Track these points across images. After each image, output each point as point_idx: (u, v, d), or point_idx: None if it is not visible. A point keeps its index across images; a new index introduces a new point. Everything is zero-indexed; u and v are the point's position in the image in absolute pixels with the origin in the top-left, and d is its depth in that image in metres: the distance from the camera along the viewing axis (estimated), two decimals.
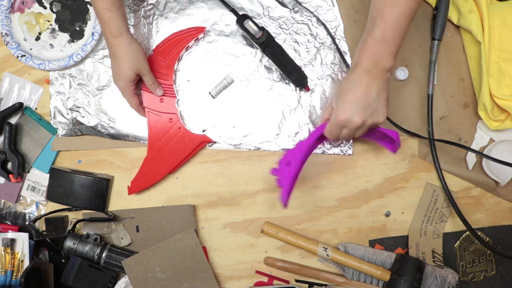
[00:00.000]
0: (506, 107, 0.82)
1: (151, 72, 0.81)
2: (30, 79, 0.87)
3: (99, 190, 0.84)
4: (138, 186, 0.86)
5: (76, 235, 0.84)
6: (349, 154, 0.87)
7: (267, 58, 0.86)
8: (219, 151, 0.87)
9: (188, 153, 0.85)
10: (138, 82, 0.83)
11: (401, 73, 0.86)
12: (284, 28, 0.87)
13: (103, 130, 0.87)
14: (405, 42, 0.87)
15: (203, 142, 0.85)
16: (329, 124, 0.74)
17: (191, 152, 0.85)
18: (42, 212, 0.87)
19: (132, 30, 0.86)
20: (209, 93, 0.87)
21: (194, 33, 0.85)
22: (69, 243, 0.82)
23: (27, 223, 0.87)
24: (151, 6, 0.87)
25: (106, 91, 0.87)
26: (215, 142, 0.87)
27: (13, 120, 0.87)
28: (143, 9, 0.87)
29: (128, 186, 0.86)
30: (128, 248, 0.86)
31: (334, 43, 0.86)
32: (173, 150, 0.85)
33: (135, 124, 0.87)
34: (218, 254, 0.88)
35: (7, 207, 0.88)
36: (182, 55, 0.86)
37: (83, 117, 0.87)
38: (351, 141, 0.86)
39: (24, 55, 0.85)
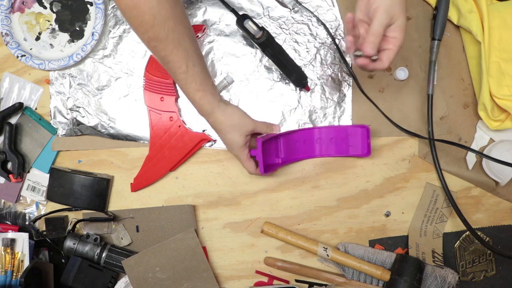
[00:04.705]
0: (506, 107, 0.82)
1: (259, 123, 0.78)
2: (30, 79, 0.87)
3: (99, 190, 0.84)
4: (140, 183, 0.86)
5: (76, 235, 0.84)
6: None
7: (267, 58, 0.86)
8: (219, 151, 0.87)
9: (188, 151, 0.85)
10: None
11: (401, 73, 0.86)
12: (284, 28, 0.87)
13: (103, 130, 0.87)
14: (405, 42, 0.87)
15: (202, 140, 0.85)
16: (394, 55, 0.69)
17: (190, 150, 0.85)
18: (42, 212, 0.87)
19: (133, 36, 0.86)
20: None
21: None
22: (69, 243, 0.82)
23: (27, 223, 0.87)
24: None
25: (106, 91, 0.87)
26: (214, 141, 0.87)
27: (13, 120, 0.87)
28: None
29: (131, 183, 0.86)
30: (128, 248, 0.86)
31: (334, 43, 0.86)
32: (173, 148, 0.85)
33: (135, 124, 0.87)
34: (218, 254, 0.88)
35: (7, 207, 0.88)
36: None
37: (83, 117, 0.87)
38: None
39: (24, 55, 0.85)
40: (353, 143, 0.85)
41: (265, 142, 0.78)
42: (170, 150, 0.85)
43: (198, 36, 0.85)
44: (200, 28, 0.85)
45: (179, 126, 0.85)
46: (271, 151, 0.83)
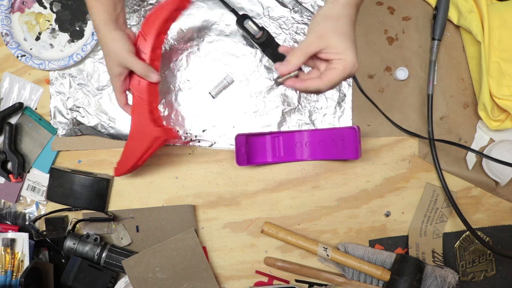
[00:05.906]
0: (506, 107, 0.82)
1: (140, 61, 0.72)
2: (30, 79, 0.87)
3: (99, 190, 0.84)
4: (122, 168, 0.80)
5: (76, 235, 0.84)
6: None
7: (267, 58, 0.86)
8: (219, 151, 0.87)
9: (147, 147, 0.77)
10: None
11: (401, 73, 0.87)
12: (284, 28, 0.87)
13: (103, 130, 0.87)
14: (405, 42, 0.88)
15: (158, 138, 0.76)
16: (338, 76, 0.60)
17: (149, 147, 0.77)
18: (42, 212, 0.87)
19: (133, 30, 0.86)
20: (209, 93, 0.87)
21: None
22: (69, 243, 0.82)
23: (27, 223, 0.87)
24: (151, 6, 0.87)
25: (106, 91, 0.87)
26: (214, 142, 0.87)
27: (13, 120, 0.87)
28: (143, 9, 0.87)
29: (114, 167, 0.81)
30: (128, 248, 0.86)
31: None
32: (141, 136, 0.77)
33: None
34: (218, 254, 0.88)
35: (7, 207, 0.88)
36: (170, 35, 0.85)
37: (83, 117, 0.87)
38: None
39: (24, 55, 0.85)
40: (343, 145, 0.83)
41: (251, 138, 0.83)
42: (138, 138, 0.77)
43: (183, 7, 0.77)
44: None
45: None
46: (256, 148, 0.85)
